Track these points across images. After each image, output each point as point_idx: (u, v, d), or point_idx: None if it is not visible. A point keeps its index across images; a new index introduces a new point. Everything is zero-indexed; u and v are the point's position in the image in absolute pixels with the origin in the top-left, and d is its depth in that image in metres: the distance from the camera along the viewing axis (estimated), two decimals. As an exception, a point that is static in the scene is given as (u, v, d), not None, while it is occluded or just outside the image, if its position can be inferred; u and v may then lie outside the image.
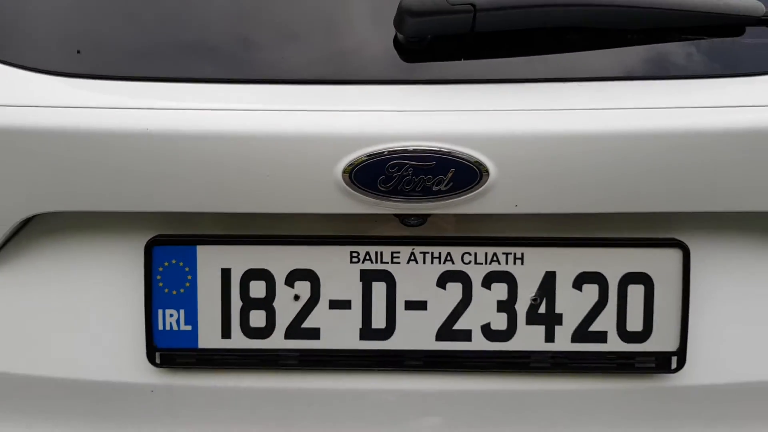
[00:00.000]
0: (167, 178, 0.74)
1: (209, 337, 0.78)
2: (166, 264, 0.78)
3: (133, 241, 0.78)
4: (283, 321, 0.78)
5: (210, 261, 0.78)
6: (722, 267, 0.79)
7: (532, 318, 0.78)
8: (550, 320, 0.78)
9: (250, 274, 0.78)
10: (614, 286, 0.78)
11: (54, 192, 0.76)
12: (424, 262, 0.78)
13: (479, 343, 0.78)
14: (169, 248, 0.78)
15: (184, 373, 0.81)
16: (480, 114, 0.72)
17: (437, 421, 0.81)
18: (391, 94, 0.74)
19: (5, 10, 0.80)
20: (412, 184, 0.70)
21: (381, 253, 0.78)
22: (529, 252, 0.77)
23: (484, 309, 0.78)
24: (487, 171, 0.70)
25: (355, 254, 0.77)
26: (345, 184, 0.70)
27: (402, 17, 0.71)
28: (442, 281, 0.78)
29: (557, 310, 0.78)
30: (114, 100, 0.75)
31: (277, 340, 0.79)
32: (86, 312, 0.80)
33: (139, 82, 0.77)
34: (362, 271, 0.78)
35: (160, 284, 0.78)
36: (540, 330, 0.78)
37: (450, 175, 0.70)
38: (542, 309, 0.78)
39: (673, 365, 0.79)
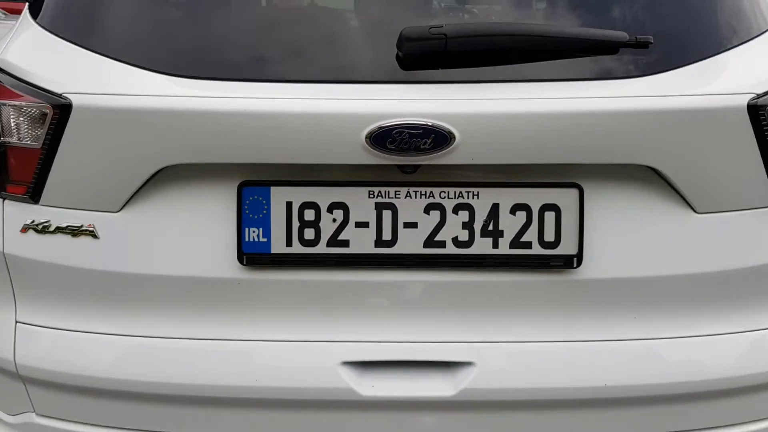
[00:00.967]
0: (252, 141, 1.17)
1: (278, 246, 1.21)
2: (251, 198, 1.21)
3: (229, 184, 1.21)
4: (325, 235, 1.21)
5: (279, 196, 1.20)
6: (605, 200, 1.22)
7: (484, 233, 1.21)
8: (495, 234, 1.21)
9: (304, 205, 1.20)
10: (536, 213, 1.21)
11: (179, 151, 1.19)
12: (415, 197, 1.20)
13: (450, 249, 1.21)
14: (253, 188, 1.21)
15: (261, 271, 1.23)
16: (450, 102, 1.15)
17: (423, 298, 1.25)
18: (396, 89, 1.17)
19: (165, 37, 1.24)
20: (408, 144, 1.13)
21: (388, 191, 1.20)
22: (482, 190, 1.20)
23: (454, 227, 1.21)
24: (454, 137, 1.13)
25: (371, 192, 1.20)
26: (367, 145, 1.13)
27: (401, 42, 1.14)
28: (427, 209, 1.21)
29: (500, 228, 1.21)
30: (220, 93, 1.18)
31: (321, 248, 1.21)
32: (197, 231, 1.23)
33: (232, 82, 1.20)
34: (376, 203, 1.21)
35: (247, 212, 1.21)
36: (489, 241, 1.21)
37: (431, 139, 1.13)
38: (490, 227, 1.21)
39: (574, 264, 1.22)
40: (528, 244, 1.21)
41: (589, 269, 1.22)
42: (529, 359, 1.23)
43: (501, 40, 1.15)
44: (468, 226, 1.21)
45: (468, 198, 1.20)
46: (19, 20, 1.40)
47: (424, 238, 1.21)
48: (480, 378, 1.22)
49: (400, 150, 1.13)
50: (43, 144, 1.21)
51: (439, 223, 1.21)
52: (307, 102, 1.16)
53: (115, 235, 1.23)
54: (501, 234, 1.21)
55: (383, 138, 1.12)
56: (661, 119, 1.19)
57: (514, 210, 1.20)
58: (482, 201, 1.20)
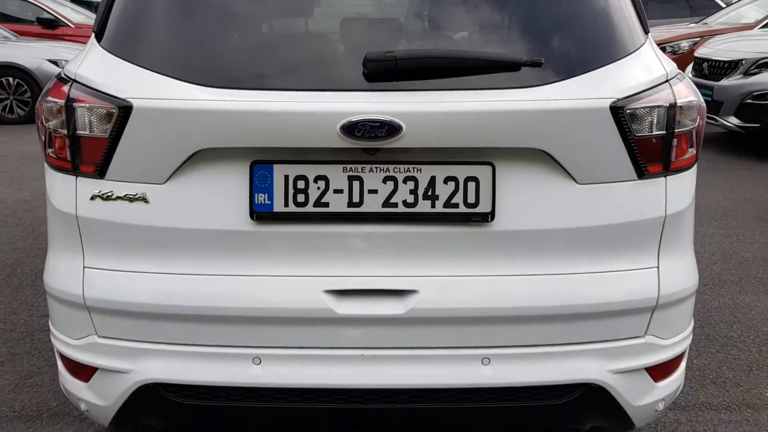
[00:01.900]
0: (260, 131, 1.65)
1: (279, 207, 1.69)
2: (259, 173, 1.69)
3: (244, 162, 1.69)
4: (312, 199, 1.69)
5: (279, 171, 1.69)
6: (511, 174, 1.71)
7: (425, 197, 1.69)
8: (433, 198, 1.70)
9: (297, 177, 1.69)
10: (462, 183, 1.70)
11: (207, 139, 1.67)
12: (376, 171, 1.69)
13: (401, 209, 1.70)
14: (261, 165, 1.69)
15: (266, 225, 1.71)
16: (399, 104, 1.64)
17: (382, 245, 1.73)
18: (361, 95, 1.64)
19: (195, 58, 1.72)
20: (370, 133, 1.61)
21: (356, 167, 1.69)
22: (423, 167, 1.69)
23: (403, 193, 1.70)
24: (402, 128, 1.62)
25: (345, 168, 1.69)
26: (340, 134, 1.61)
27: (365, 62, 1.63)
28: (385, 180, 1.69)
29: (436, 193, 1.70)
30: (236, 98, 1.66)
31: (309, 208, 1.69)
32: (220, 196, 1.71)
33: (245, 90, 1.68)
34: (348, 176, 1.69)
35: (256, 182, 1.69)
36: (428, 203, 1.70)
37: (386, 129, 1.61)
38: (429, 193, 1.70)
39: (489, 219, 1.70)
40: (456, 205, 1.70)
41: (499, 223, 1.72)
42: (458, 288, 1.72)
43: (435, 61, 1.65)
44: (414, 192, 1.70)
45: (413, 172, 1.69)
46: (88, 45, 1.88)
47: (382, 201, 1.70)
48: (422, 301, 1.70)
49: (364, 137, 1.62)
50: (110, 135, 1.69)
51: (393, 190, 1.69)
52: (298, 104, 1.64)
53: (161, 200, 1.71)
54: (437, 198, 1.70)
55: (352, 129, 1.61)
56: (550, 116, 1.68)
57: (446, 181, 1.70)
58: (423, 174, 1.69)
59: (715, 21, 10.41)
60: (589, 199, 1.73)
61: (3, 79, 9.30)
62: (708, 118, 7.38)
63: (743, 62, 7.12)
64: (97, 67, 1.77)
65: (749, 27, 9.33)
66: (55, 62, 9.40)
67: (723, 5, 12.87)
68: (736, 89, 7.07)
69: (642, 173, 1.73)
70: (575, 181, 1.72)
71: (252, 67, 1.75)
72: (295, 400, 1.74)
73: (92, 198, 1.74)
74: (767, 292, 3.86)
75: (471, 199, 1.70)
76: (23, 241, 4.70)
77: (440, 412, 1.77)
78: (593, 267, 1.75)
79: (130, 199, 1.72)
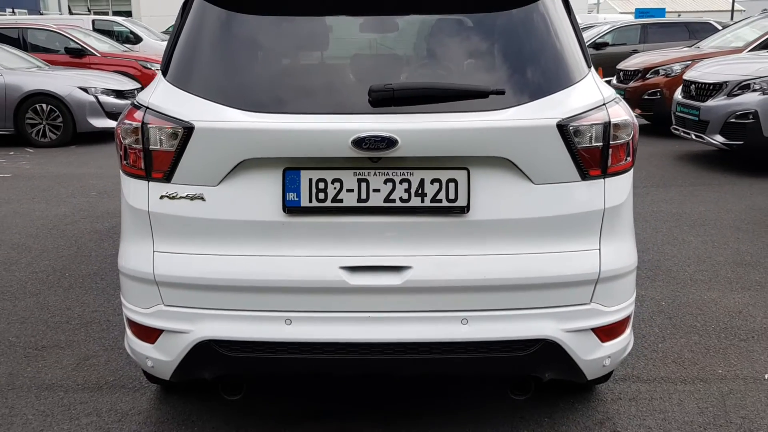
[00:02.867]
0: (290, 145, 2.17)
1: (304, 202, 2.20)
2: (289, 177, 2.21)
3: (278, 169, 2.21)
4: (330, 196, 2.20)
5: (305, 175, 2.20)
6: (483, 176, 2.21)
7: (416, 194, 2.20)
8: (422, 195, 2.20)
9: (319, 180, 2.20)
10: (444, 183, 2.20)
11: (250, 152, 2.19)
12: (379, 175, 2.20)
13: (398, 204, 2.20)
14: (291, 171, 2.21)
15: (295, 216, 2.23)
16: (396, 123, 2.15)
17: (384, 231, 2.22)
18: (367, 117, 2.15)
19: (239, 91, 2.25)
20: (373, 146, 2.12)
21: (363, 172, 2.20)
22: (415, 171, 2.20)
23: (400, 192, 2.21)
24: (398, 142, 2.13)
25: (355, 173, 2.20)
26: (351, 146, 2.13)
27: (370, 92, 2.16)
28: (385, 182, 2.20)
29: (425, 192, 2.20)
30: (272, 120, 2.18)
31: (328, 203, 2.21)
32: (260, 195, 2.22)
33: (278, 114, 2.20)
34: (357, 179, 2.20)
35: (287, 184, 2.20)
36: (419, 198, 2.21)
37: (386, 143, 2.13)
38: (419, 191, 2.20)
39: (465, 211, 2.21)
40: (440, 200, 2.21)
41: (474, 214, 2.23)
42: (442, 264, 2.23)
43: (423, 91, 2.17)
44: (408, 191, 2.21)
45: (407, 175, 2.21)
46: (156, 79, 2.42)
47: (384, 198, 2.21)
48: (415, 275, 2.21)
49: (369, 149, 2.13)
50: (175, 149, 2.22)
51: (391, 189, 2.21)
52: (319, 124, 2.16)
53: (214, 199, 2.24)
54: (425, 195, 2.21)
55: (360, 143, 2.13)
56: (512, 132, 2.19)
57: (432, 182, 2.21)
58: (415, 177, 2.21)
59: (707, 45, 10.93)
60: (543, 195, 2.23)
61: (37, 105, 9.95)
62: (696, 136, 7.90)
63: (727, 84, 7.62)
64: (165, 97, 2.30)
65: (739, 50, 9.84)
66: (85, 89, 10.05)
67: (720, 28, 13.40)
68: (720, 109, 7.56)
69: (584, 176, 2.24)
70: (532, 181, 2.23)
71: (283, 96, 2.28)
72: (317, 352, 2.25)
73: (161, 197, 2.27)
74: (733, 290, 4.32)
75: (451, 196, 2.21)
76: (68, 250, 5.25)
77: (428, 362, 2.27)
78: (547, 248, 2.25)
79: (191, 198, 2.24)
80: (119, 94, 10.39)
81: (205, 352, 2.28)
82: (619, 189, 2.32)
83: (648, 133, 10.79)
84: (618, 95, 2.42)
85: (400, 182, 2.21)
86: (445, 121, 2.17)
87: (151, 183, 2.28)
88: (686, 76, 8.44)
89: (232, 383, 2.50)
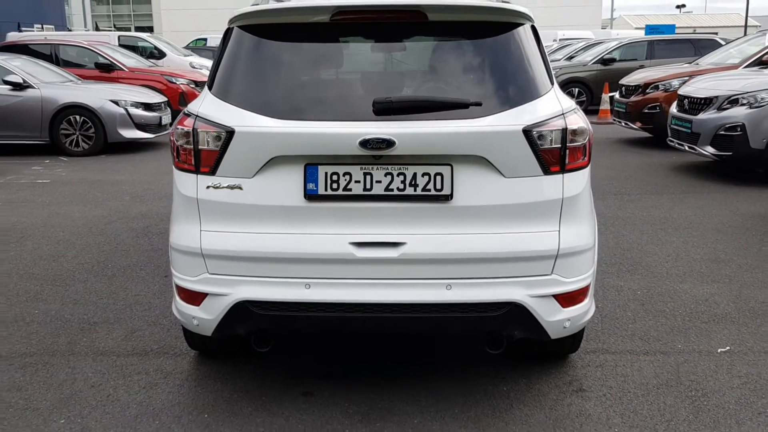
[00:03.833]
0: (310, 146, 2.74)
1: (321, 191, 2.75)
2: (309, 171, 2.76)
3: (300, 164, 2.76)
4: (341, 186, 2.75)
5: (322, 169, 2.76)
6: (464, 171, 2.75)
7: (410, 185, 2.74)
8: (415, 185, 2.75)
9: (333, 173, 2.75)
10: (433, 176, 2.74)
11: (278, 151, 2.76)
12: (380, 169, 2.75)
13: (396, 192, 2.74)
14: (311, 166, 2.77)
15: (314, 202, 2.78)
16: (395, 128, 2.71)
17: (385, 215, 2.75)
18: (372, 123, 2.69)
19: (269, 102, 2.82)
20: (376, 146, 2.68)
21: (368, 167, 2.75)
22: (409, 166, 2.74)
23: (397, 183, 2.75)
24: (395, 143, 2.69)
25: (361, 167, 2.75)
26: (358, 146, 2.69)
27: (374, 103, 2.72)
28: (386, 175, 2.74)
29: (417, 183, 2.74)
30: (296, 126, 2.75)
31: (339, 192, 2.75)
32: (286, 185, 2.77)
33: (300, 121, 2.76)
34: (363, 172, 2.75)
35: (308, 176, 2.77)
36: (412, 189, 2.74)
37: (386, 144, 2.67)
38: (412, 182, 2.75)
39: (450, 198, 2.75)
40: (429, 190, 2.76)
41: (456, 201, 2.77)
42: (431, 241, 2.77)
43: (415, 103, 2.74)
44: (403, 182, 2.76)
45: (403, 170, 2.76)
46: (203, 92, 3.00)
47: (384, 188, 2.76)
48: (409, 249, 2.76)
49: (373, 149, 2.69)
50: (220, 149, 2.79)
51: (390, 180, 2.76)
52: (333, 129, 2.72)
53: (250, 188, 2.80)
54: (417, 185, 2.76)
55: (365, 143, 2.68)
56: (487, 136, 2.74)
57: (423, 175, 2.76)
58: (409, 171, 2.76)
59: (705, 62, 11.43)
60: (513, 187, 2.78)
61: (71, 117, 10.64)
62: (689, 147, 8.40)
63: (717, 99, 8.13)
64: (210, 107, 2.88)
65: (735, 67, 10.34)
66: (116, 102, 10.73)
67: (723, 44, 13.89)
68: (711, 122, 8.07)
69: (546, 171, 2.79)
70: (503, 175, 2.77)
71: (304, 106, 2.85)
72: (331, 311, 2.80)
73: (207, 187, 2.84)
74: (704, 282, 4.83)
75: (438, 187, 2.76)
76: (108, 246, 5.86)
77: (420, 320, 2.81)
78: (516, 229, 2.79)
79: (231, 187, 2.81)
80: (147, 106, 11.07)
81: (241, 311, 2.84)
82: (575, 182, 2.85)
83: (648, 145, 11.30)
84: (576, 106, 2.96)
85: (397, 175, 2.76)
86: (434, 127, 2.73)
87: (199, 176, 2.85)
88: (681, 92, 8.95)
89: (262, 337, 3.05)
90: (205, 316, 2.92)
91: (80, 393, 3.32)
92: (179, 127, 2.89)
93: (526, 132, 2.74)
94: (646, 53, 16.36)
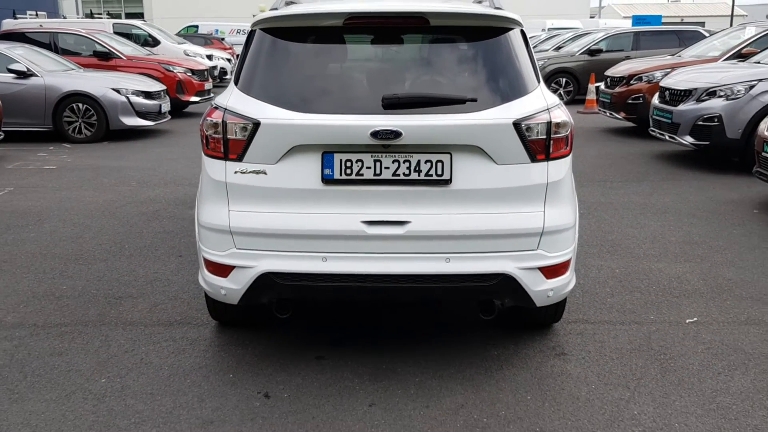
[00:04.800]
0: (327, 135, 3.11)
1: (337, 176, 3.13)
2: (326, 158, 3.14)
3: (318, 152, 3.13)
4: (354, 171, 3.12)
5: (337, 157, 3.12)
6: (462, 158, 3.14)
7: (415, 170, 3.12)
8: (419, 171, 3.13)
9: (347, 160, 3.13)
10: (435, 163, 3.13)
11: (299, 140, 3.14)
12: (388, 157, 3.13)
13: (402, 177, 3.15)
14: (327, 154, 3.14)
15: (330, 186, 3.15)
16: (402, 120, 3.08)
17: (393, 197, 3.14)
18: (381, 116, 3.07)
19: (290, 97, 3.20)
20: (385, 136, 3.06)
21: (378, 155, 3.13)
22: (414, 154, 3.12)
23: (403, 169, 3.13)
24: (402, 133, 3.07)
25: (372, 155, 3.12)
26: (369, 136, 3.07)
27: (383, 99, 3.10)
28: (393, 162, 3.12)
29: (421, 169, 3.13)
30: (315, 118, 3.13)
31: (353, 176, 3.13)
32: (306, 170, 3.15)
33: (319, 114, 3.13)
34: (374, 159, 3.13)
35: (325, 162, 3.15)
36: (417, 174, 3.12)
37: (394, 134, 3.06)
38: (417, 168, 3.13)
39: (449, 183, 3.14)
40: (431, 175, 3.15)
41: (455, 185, 3.16)
42: (433, 219, 3.16)
43: (419, 98, 3.12)
44: (409, 168, 3.15)
45: (409, 157, 3.14)
46: (229, 87, 3.37)
47: (392, 173, 3.15)
48: (413, 227, 3.15)
49: (382, 139, 3.07)
50: (247, 138, 3.17)
51: (397, 167, 3.15)
52: (347, 121, 3.10)
53: (273, 173, 3.18)
54: (421, 171, 3.15)
55: (376, 134, 3.06)
56: (482, 128, 3.13)
57: (426, 162, 3.15)
58: (414, 158, 3.15)
59: (687, 54, 11.86)
60: (504, 172, 3.17)
61: (73, 105, 10.93)
62: (669, 137, 8.84)
63: (696, 91, 8.56)
64: (237, 100, 3.25)
65: (715, 59, 10.78)
66: (117, 90, 11.03)
67: (707, 36, 14.33)
68: (690, 113, 8.51)
69: (533, 159, 3.18)
70: (496, 162, 3.17)
71: (322, 100, 3.22)
72: (345, 281, 3.19)
73: (235, 172, 3.21)
74: (677, 262, 5.26)
75: (439, 172, 3.15)
76: (122, 228, 6.22)
77: (423, 288, 3.21)
78: (506, 210, 3.19)
79: (257, 172, 3.19)
80: (148, 95, 11.37)
81: (265, 281, 3.23)
82: (559, 169, 3.26)
83: (631, 134, 11.74)
84: (560, 101, 3.36)
85: (404, 162, 3.15)
86: (435, 119, 3.12)
87: (228, 162, 3.23)
88: (662, 84, 9.38)
89: (283, 305, 3.44)
90: (233, 286, 3.30)
91: (116, 357, 3.71)
92: (209, 118, 3.26)
93: (516, 125, 3.13)
94: (632, 44, 16.78)
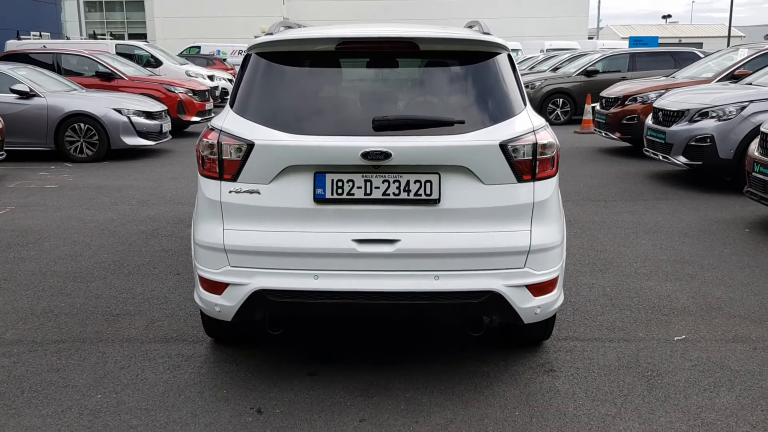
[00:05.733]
0: (319, 156, 3.21)
1: (328, 195, 3.22)
2: (318, 178, 3.23)
3: (310, 172, 3.23)
4: (345, 191, 3.21)
5: (329, 177, 3.22)
6: (450, 178, 3.23)
7: (404, 190, 3.21)
8: (409, 191, 3.22)
9: (338, 180, 3.22)
10: (423, 183, 3.22)
11: (291, 161, 3.23)
12: (379, 176, 3.22)
13: (392, 196, 3.22)
14: (319, 174, 3.23)
15: (322, 205, 3.24)
16: (392, 142, 3.18)
17: (383, 215, 3.23)
18: (372, 138, 3.16)
19: (283, 119, 3.30)
20: (375, 157, 3.15)
21: (368, 175, 3.21)
22: (403, 174, 3.21)
23: (393, 188, 3.22)
24: (391, 154, 3.17)
25: (362, 175, 3.21)
26: (360, 157, 3.16)
27: (373, 121, 3.20)
28: (383, 182, 3.21)
29: (410, 188, 3.22)
30: (306, 140, 3.23)
31: (343, 196, 3.22)
32: (298, 190, 3.23)
33: (310, 135, 3.24)
34: (364, 179, 3.22)
35: (317, 182, 3.24)
36: (406, 193, 3.21)
37: (383, 155, 3.15)
38: (406, 188, 3.22)
39: (437, 202, 3.23)
40: (420, 195, 3.23)
41: (443, 204, 3.25)
42: (421, 238, 3.24)
43: (408, 121, 3.22)
44: (398, 188, 3.24)
45: (398, 177, 3.23)
46: (225, 109, 3.48)
47: (382, 192, 3.23)
48: (403, 245, 3.23)
49: (372, 159, 3.16)
50: (241, 159, 3.26)
51: (387, 186, 3.23)
52: (339, 142, 3.19)
53: (267, 192, 3.26)
54: (410, 191, 3.24)
55: (366, 155, 3.15)
56: (469, 149, 3.22)
57: (415, 182, 3.24)
58: (403, 178, 3.24)
59: (681, 75, 12.01)
60: (491, 192, 3.26)
61: (75, 125, 11.07)
62: (663, 157, 8.94)
63: (688, 111, 8.68)
64: (232, 122, 3.35)
65: (708, 81, 10.92)
66: (119, 110, 11.17)
67: (702, 57, 14.49)
68: (683, 134, 8.62)
69: (519, 179, 3.27)
70: (483, 183, 3.26)
71: (314, 122, 3.32)
72: (336, 298, 3.27)
73: (229, 192, 3.30)
74: (667, 281, 5.33)
75: (428, 192, 3.24)
76: (121, 246, 6.30)
77: (412, 306, 3.29)
78: (494, 228, 3.27)
79: (250, 192, 3.28)
80: (149, 115, 11.51)
81: (258, 298, 3.30)
82: (545, 189, 3.34)
83: (626, 154, 11.86)
84: (546, 123, 3.45)
85: (393, 182, 3.24)
86: (424, 141, 3.21)
87: (222, 182, 3.32)
88: (656, 104, 9.50)
89: (275, 322, 3.52)
90: (227, 303, 3.38)
91: (112, 373, 3.77)
92: (205, 139, 3.36)
93: (503, 146, 3.23)
94: (628, 65, 16.97)
